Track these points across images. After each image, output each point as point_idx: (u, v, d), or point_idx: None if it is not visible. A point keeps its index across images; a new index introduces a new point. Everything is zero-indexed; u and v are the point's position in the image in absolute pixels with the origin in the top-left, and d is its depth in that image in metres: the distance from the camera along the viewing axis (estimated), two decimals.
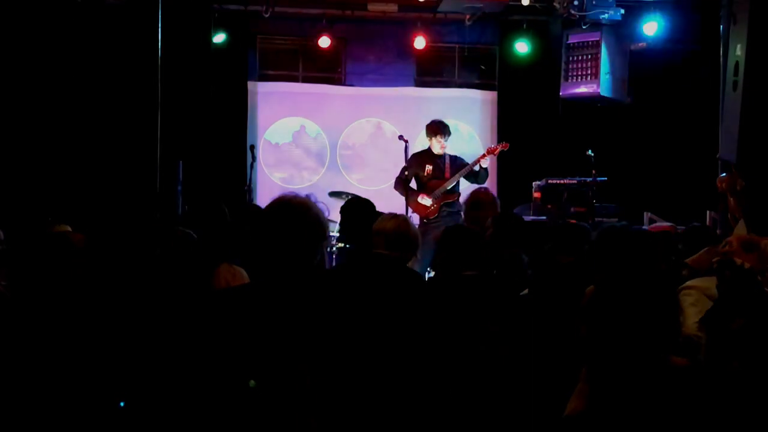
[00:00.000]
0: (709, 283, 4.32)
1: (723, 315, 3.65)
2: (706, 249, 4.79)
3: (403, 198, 7.66)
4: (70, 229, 4.46)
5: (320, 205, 2.65)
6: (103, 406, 3.04)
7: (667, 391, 3.66)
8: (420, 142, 9.28)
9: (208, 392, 2.64)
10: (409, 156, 7.97)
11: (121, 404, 3.32)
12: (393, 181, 8.00)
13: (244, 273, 4.14)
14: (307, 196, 2.66)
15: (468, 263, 4.36)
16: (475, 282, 4.27)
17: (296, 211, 2.60)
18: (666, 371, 3.67)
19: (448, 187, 7.76)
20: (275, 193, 2.82)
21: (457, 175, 7.76)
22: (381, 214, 4.54)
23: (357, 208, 5.23)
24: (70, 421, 3.02)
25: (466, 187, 7.87)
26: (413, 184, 7.91)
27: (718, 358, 3.59)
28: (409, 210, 7.62)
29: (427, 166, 7.84)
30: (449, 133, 7.90)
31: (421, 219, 7.80)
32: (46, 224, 4.44)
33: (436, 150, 7.85)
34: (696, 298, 4.16)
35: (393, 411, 3.60)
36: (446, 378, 3.99)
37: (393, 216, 4.33)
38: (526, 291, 4.60)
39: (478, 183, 7.80)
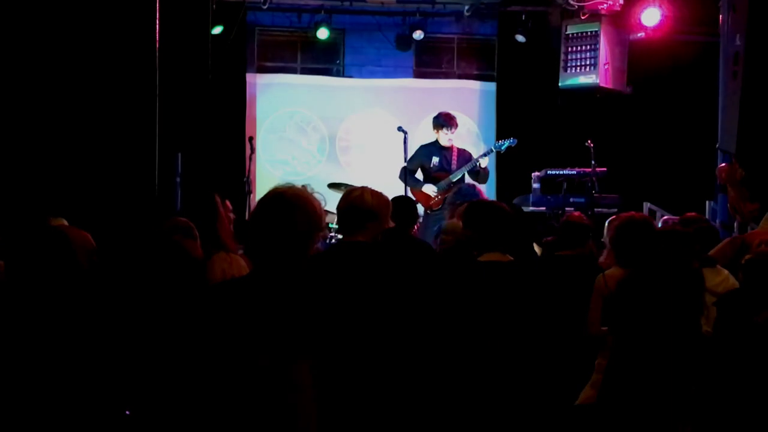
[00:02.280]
0: (708, 275, 4.33)
1: (748, 308, 3.65)
2: (729, 240, 4.79)
3: (404, 188, 7.67)
4: (66, 222, 4.44)
5: (317, 196, 2.64)
6: (100, 403, 3.03)
7: (688, 379, 3.66)
8: (419, 133, 9.27)
9: (206, 386, 2.63)
10: (417, 147, 8.00)
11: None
12: (392, 172, 8.00)
13: (242, 261, 4.13)
14: (303, 187, 2.65)
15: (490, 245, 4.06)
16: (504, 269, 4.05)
17: (292, 201, 2.59)
18: (688, 360, 3.67)
19: (454, 180, 7.77)
20: (274, 185, 2.79)
21: (462, 168, 7.78)
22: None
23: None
24: (66, 417, 3.01)
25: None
26: (419, 175, 7.92)
27: (741, 350, 3.60)
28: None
29: (434, 157, 7.87)
30: (456, 125, 7.92)
31: (424, 210, 7.82)
32: (42, 218, 4.42)
33: (443, 142, 7.87)
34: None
35: (398, 404, 3.57)
36: (453, 369, 3.94)
37: (358, 193, 3.86)
38: None
39: (478, 182, 7.82)
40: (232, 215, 4.47)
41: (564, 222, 5.03)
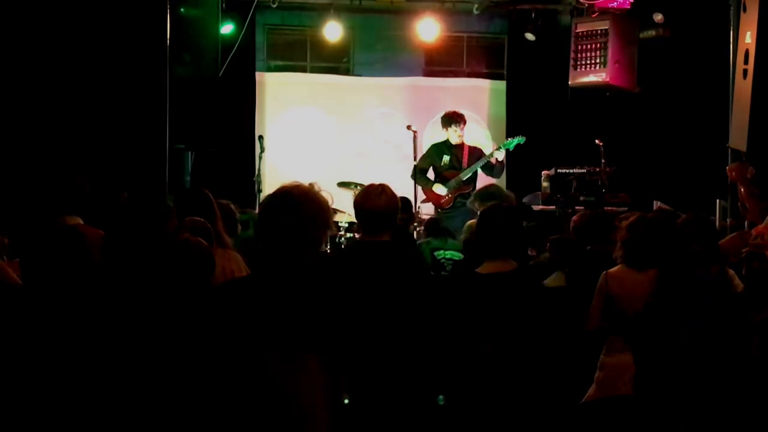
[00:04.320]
0: None
1: (747, 306, 3.64)
2: (737, 233, 4.77)
3: (413, 187, 7.67)
4: (81, 221, 4.46)
5: (324, 194, 2.65)
6: (112, 400, 3.04)
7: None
8: (429, 132, 9.29)
9: (215, 383, 2.64)
10: (429, 146, 8.02)
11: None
12: (401, 171, 8.02)
13: (238, 256, 4.15)
14: (311, 185, 2.66)
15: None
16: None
17: (299, 200, 2.60)
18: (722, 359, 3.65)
19: (464, 178, 7.78)
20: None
21: (473, 166, 7.78)
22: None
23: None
24: (79, 414, 3.03)
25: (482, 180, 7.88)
26: (430, 174, 7.93)
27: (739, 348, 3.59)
28: (419, 199, 7.64)
29: (444, 156, 7.88)
30: (465, 123, 7.93)
31: (435, 208, 7.83)
32: (55, 216, 4.43)
33: (454, 140, 7.88)
34: None
35: (407, 403, 3.57)
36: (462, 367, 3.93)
37: (380, 190, 3.80)
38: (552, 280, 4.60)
39: (493, 176, 7.82)
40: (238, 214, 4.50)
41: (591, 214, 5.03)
